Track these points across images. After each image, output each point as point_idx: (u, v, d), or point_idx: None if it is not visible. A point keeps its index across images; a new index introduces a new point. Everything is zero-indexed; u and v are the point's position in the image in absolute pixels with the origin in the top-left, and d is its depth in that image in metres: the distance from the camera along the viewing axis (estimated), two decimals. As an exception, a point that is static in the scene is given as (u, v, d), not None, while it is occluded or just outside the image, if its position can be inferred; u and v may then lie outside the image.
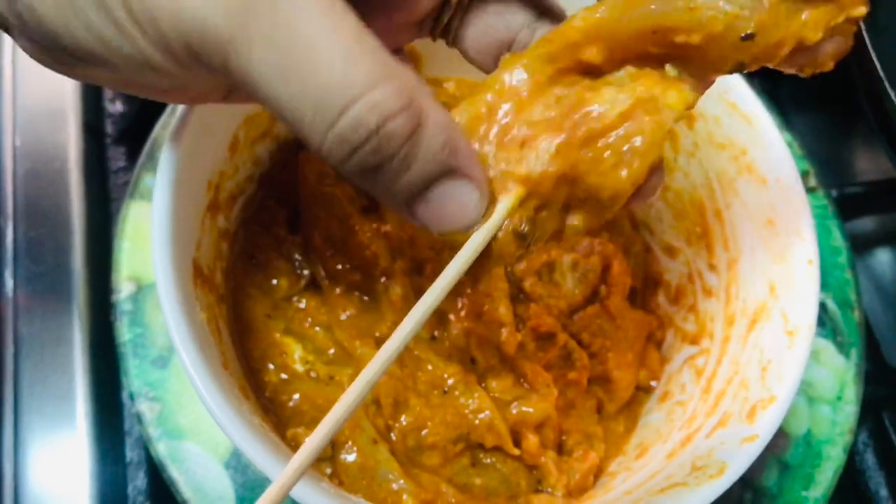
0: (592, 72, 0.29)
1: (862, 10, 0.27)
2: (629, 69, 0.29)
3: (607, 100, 0.28)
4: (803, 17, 0.27)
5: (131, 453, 0.46)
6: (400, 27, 0.33)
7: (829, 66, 0.29)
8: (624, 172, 0.28)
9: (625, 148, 0.28)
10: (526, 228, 0.29)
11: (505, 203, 0.28)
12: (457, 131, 0.26)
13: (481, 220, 0.27)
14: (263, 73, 0.23)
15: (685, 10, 0.27)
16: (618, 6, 0.28)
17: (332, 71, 0.23)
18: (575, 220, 0.30)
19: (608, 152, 0.28)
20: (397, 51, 0.34)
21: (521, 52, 0.29)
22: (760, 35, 0.27)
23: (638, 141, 0.28)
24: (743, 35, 0.27)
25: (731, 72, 0.29)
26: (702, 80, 0.29)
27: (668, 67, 0.29)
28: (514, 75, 0.29)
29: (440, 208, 0.26)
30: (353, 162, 0.24)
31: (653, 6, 0.27)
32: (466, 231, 0.27)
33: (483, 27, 0.31)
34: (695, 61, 0.28)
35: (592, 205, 0.29)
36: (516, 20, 0.31)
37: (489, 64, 0.32)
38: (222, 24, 0.23)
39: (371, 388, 0.26)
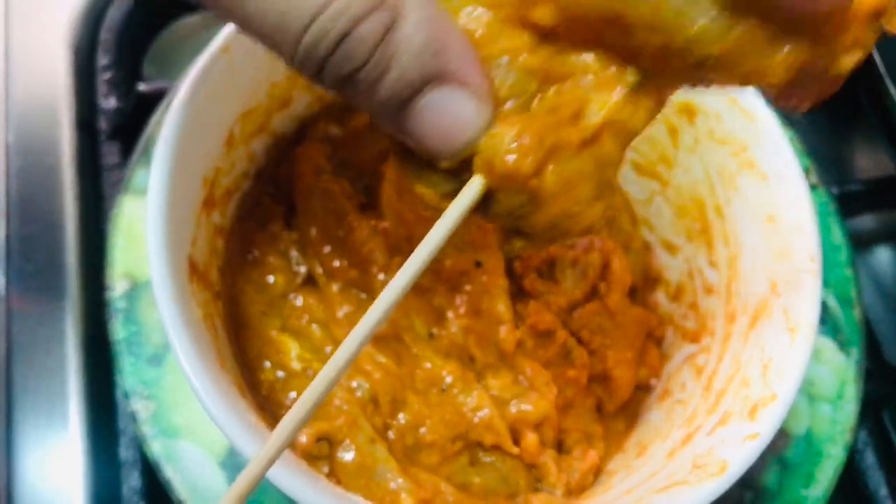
0: (549, 37, 0.25)
1: (851, 63, 0.24)
2: (593, 58, 0.25)
3: (575, 99, 0.25)
4: (779, 54, 0.23)
5: (126, 453, 0.46)
6: None
7: (803, 109, 0.26)
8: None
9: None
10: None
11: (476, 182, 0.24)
12: (445, 27, 0.23)
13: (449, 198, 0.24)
14: None
15: (649, 6, 0.23)
16: None
17: None
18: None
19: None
20: None
21: None
22: (721, 63, 0.24)
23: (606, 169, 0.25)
24: (701, 58, 0.23)
25: (689, 87, 0.25)
26: (658, 95, 0.26)
27: (629, 71, 0.25)
28: (466, 10, 0.24)
29: (431, 121, 0.23)
30: (326, 74, 0.22)
31: None
32: (466, 148, 0.24)
33: None
34: (652, 71, 0.25)
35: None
36: None
37: None
38: None
39: (351, 361, 0.25)
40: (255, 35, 0.23)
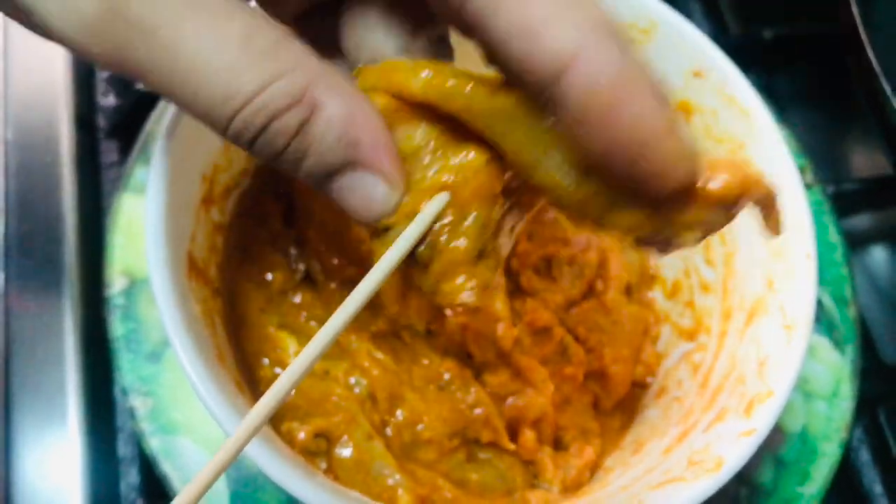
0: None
1: (692, 241, 0.26)
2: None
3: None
4: (620, 219, 0.25)
5: (124, 449, 0.46)
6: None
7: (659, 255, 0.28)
8: None
9: None
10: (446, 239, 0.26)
11: (432, 207, 0.26)
12: (360, 119, 0.25)
13: (399, 219, 0.26)
14: (157, 88, 0.24)
15: (514, 143, 0.25)
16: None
17: (217, 85, 0.23)
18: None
19: None
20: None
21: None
22: (572, 209, 0.25)
23: None
24: (554, 200, 0.25)
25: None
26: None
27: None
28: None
29: (348, 199, 0.26)
30: (254, 153, 0.25)
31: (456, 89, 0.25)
32: (378, 221, 0.26)
33: (356, 41, 0.29)
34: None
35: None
36: (388, 44, 0.28)
37: None
38: (106, 58, 0.24)
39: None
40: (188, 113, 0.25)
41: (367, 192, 0.26)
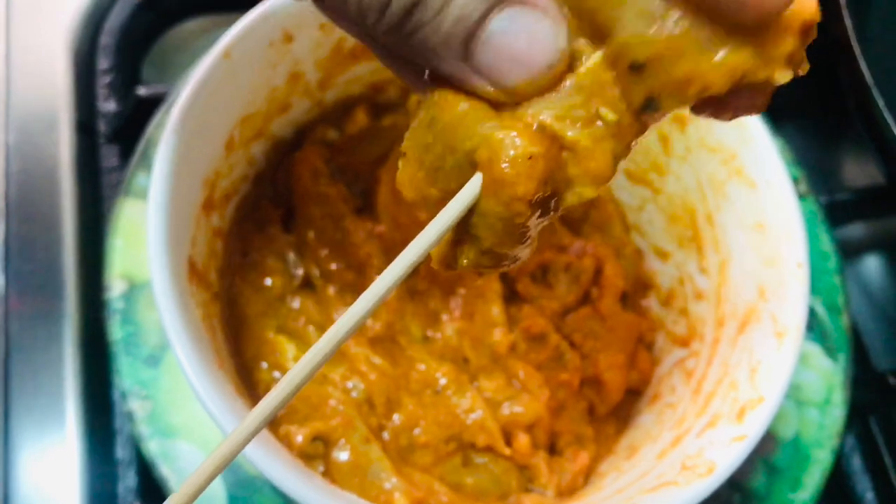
0: None
1: (788, 76, 0.23)
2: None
3: None
4: (716, 58, 0.21)
5: (122, 452, 0.46)
6: None
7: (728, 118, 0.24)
8: None
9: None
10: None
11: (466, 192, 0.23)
12: None
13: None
14: None
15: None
16: None
17: None
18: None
19: None
20: None
21: None
22: (652, 67, 0.22)
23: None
24: (629, 64, 0.22)
25: (642, 109, 0.23)
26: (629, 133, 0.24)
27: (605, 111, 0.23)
28: None
29: (504, 48, 0.21)
30: (387, 17, 0.21)
31: None
32: (548, 73, 0.22)
33: None
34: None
35: None
36: None
37: None
38: None
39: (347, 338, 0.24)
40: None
41: (529, 31, 0.21)
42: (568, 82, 0.23)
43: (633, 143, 0.24)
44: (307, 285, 0.43)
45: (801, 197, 0.53)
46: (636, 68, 0.22)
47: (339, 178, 0.45)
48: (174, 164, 0.34)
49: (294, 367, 0.23)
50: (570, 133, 0.23)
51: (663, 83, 0.22)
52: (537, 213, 0.23)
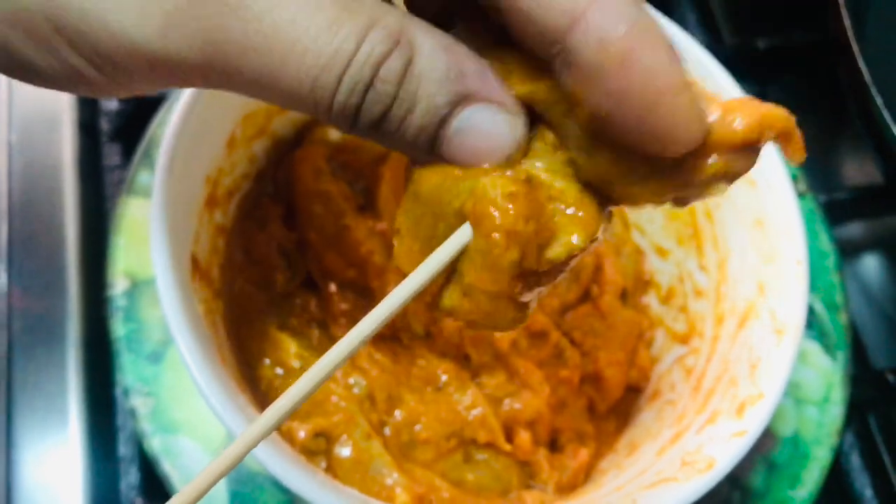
0: None
1: (722, 190, 0.24)
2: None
3: None
4: (640, 185, 0.24)
5: (124, 449, 0.46)
6: None
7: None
8: None
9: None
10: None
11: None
12: (459, 51, 0.23)
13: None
14: (249, 77, 0.23)
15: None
16: None
17: (321, 47, 0.22)
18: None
19: None
20: None
21: None
22: (601, 184, 0.24)
23: None
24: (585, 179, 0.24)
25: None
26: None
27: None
28: None
29: (466, 144, 0.23)
30: (361, 122, 0.23)
31: None
32: (505, 162, 0.24)
33: None
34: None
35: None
36: None
37: None
38: (192, 56, 0.23)
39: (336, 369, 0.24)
40: (283, 104, 0.24)
41: (488, 127, 0.23)
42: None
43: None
44: (309, 282, 0.43)
45: (801, 195, 0.53)
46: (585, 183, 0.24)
47: (340, 175, 0.45)
48: (177, 161, 0.34)
49: (289, 390, 0.23)
50: (557, 184, 0.24)
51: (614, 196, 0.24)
52: (527, 274, 0.24)
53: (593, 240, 0.24)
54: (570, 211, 0.24)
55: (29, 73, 0.25)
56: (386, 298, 0.24)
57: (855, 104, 0.50)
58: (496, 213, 0.23)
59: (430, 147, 0.24)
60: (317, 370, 0.23)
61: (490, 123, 0.23)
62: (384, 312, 0.24)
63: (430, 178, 0.25)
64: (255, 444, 0.23)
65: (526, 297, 0.25)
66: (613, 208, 0.25)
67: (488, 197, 0.23)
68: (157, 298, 0.33)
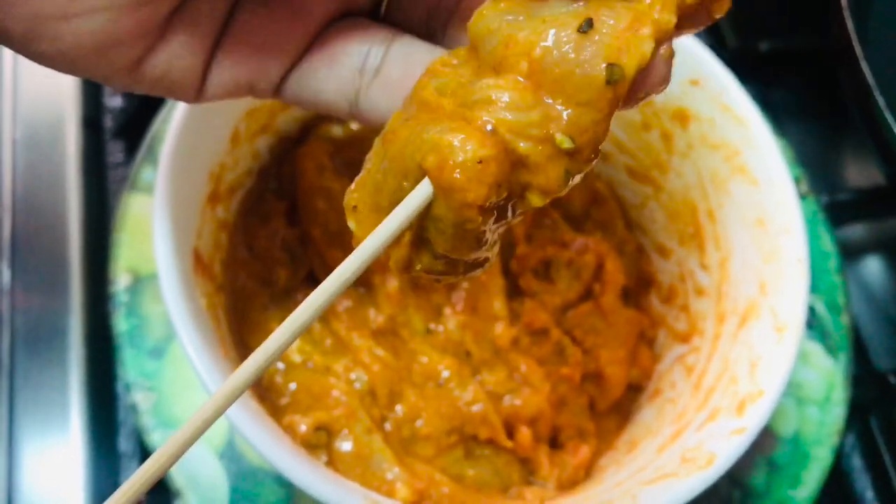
0: None
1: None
2: None
3: None
4: None
5: (126, 444, 0.47)
6: None
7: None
8: None
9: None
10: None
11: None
12: None
13: None
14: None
15: None
16: None
17: None
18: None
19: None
20: None
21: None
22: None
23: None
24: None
25: None
26: None
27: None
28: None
29: None
30: None
31: None
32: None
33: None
34: None
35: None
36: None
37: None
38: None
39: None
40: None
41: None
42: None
43: (593, 161, 0.23)
44: (311, 278, 0.44)
45: (803, 196, 0.53)
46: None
47: (343, 172, 0.45)
48: (181, 155, 0.35)
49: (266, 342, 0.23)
50: (522, 145, 0.22)
51: None
52: (492, 218, 0.23)
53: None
54: (533, 174, 0.22)
55: None
56: (352, 254, 0.23)
57: (857, 106, 0.50)
58: (466, 187, 0.21)
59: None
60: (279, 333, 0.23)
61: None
62: (354, 264, 0.23)
63: (399, 131, 0.23)
64: (230, 401, 0.22)
65: (490, 237, 0.24)
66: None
67: (457, 161, 0.21)
68: (160, 294, 0.33)
